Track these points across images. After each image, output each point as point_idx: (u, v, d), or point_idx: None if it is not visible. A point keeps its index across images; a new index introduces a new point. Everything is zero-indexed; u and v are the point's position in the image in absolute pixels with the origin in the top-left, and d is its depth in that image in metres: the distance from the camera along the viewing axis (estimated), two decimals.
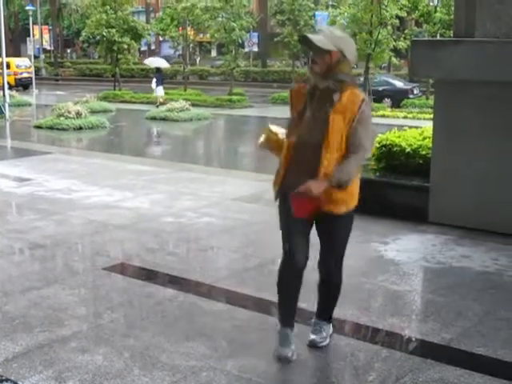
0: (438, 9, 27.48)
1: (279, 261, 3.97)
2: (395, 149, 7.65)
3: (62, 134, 17.86)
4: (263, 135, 4.02)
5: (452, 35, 7.50)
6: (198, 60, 48.75)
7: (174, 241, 6.67)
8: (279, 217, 3.95)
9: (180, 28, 33.35)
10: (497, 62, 6.49)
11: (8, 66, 27.90)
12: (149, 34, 34.03)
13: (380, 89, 27.16)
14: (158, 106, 24.24)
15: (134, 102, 28.11)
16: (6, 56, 23.07)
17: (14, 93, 26.56)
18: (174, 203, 8.17)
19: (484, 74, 6.55)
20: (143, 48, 46.33)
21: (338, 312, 4.32)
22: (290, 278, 3.91)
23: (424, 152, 7.43)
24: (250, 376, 3.79)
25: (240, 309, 4.81)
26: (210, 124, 22.15)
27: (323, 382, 3.81)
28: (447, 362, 3.97)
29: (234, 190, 8.96)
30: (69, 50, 58.77)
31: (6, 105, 20.88)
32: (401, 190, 7.31)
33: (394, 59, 28.14)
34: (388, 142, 7.74)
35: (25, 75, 36.22)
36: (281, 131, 3.99)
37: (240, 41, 31.90)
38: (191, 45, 38.27)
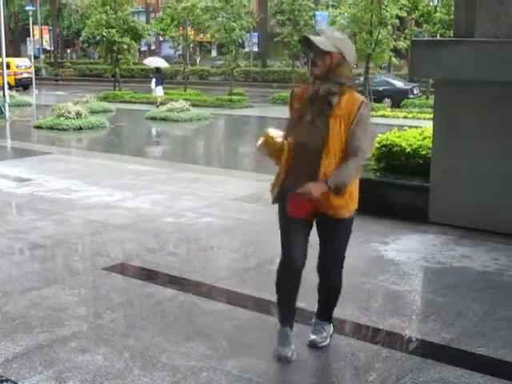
0: (438, 9, 27.48)
1: (279, 261, 3.98)
2: (395, 149, 7.65)
3: (62, 134, 17.86)
4: (261, 139, 4.02)
5: (452, 35, 7.49)
6: (198, 60, 48.76)
7: (174, 241, 6.67)
8: (279, 217, 3.95)
9: (180, 28, 33.37)
10: (497, 62, 6.49)
11: (8, 67, 27.91)
12: (149, 34, 34.03)
13: (380, 89, 27.16)
14: (158, 106, 24.24)
15: (134, 102, 28.12)
16: (6, 56, 23.08)
17: (13, 93, 26.56)
18: (174, 203, 8.17)
19: (484, 74, 6.55)
20: (143, 48, 46.31)
21: (338, 312, 4.32)
22: (288, 277, 3.91)
23: (424, 152, 7.43)
24: (250, 376, 3.79)
25: (240, 309, 4.81)
26: (210, 124, 22.15)
27: (323, 382, 3.81)
28: (447, 362, 3.97)
29: (235, 190, 8.96)
30: (69, 51, 58.77)
31: (6, 105, 20.88)
32: (401, 190, 7.31)
33: (394, 59, 28.13)
34: (388, 142, 7.74)
35: (25, 75, 36.22)
36: (279, 135, 3.98)
37: (240, 41, 31.90)
38: (191, 45, 38.29)
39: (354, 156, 3.71)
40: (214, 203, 8.14)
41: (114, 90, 31.20)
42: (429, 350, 4.16)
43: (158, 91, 26.05)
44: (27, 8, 45.58)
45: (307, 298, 4.37)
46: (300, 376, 3.87)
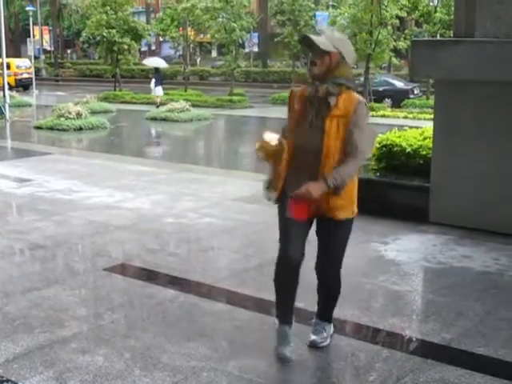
0: (438, 9, 27.47)
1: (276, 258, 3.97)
2: (396, 149, 7.66)
3: (63, 134, 17.85)
4: (258, 144, 4.02)
5: (452, 35, 7.50)
6: (198, 60, 48.74)
7: (174, 241, 6.67)
8: (279, 216, 3.95)
9: (180, 28, 33.36)
10: (497, 62, 6.49)
11: (8, 67, 27.89)
12: (149, 35, 34.04)
13: (380, 89, 27.15)
14: (158, 107, 24.24)
15: (135, 103, 28.11)
16: (7, 57, 23.07)
17: (14, 93, 26.55)
18: (174, 204, 8.17)
19: (484, 74, 6.55)
20: (143, 48, 46.33)
21: (338, 312, 4.32)
22: (285, 274, 3.90)
23: (424, 152, 7.43)
24: (250, 376, 3.80)
25: (240, 309, 4.81)
26: (210, 124, 22.15)
27: (324, 383, 3.81)
28: (448, 362, 3.97)
29: (235, 190, 8.96)
30: (69, 51, 58.77)
31: (7, 105, 20.87)
32: (401, 190, 7.31)
33: (394, 59, 28.13)
34: (388, 142, 7.74)
35: (25, 76, 36.20)
36: (275, 138, 3.97)
37: (240, 41, 31.87)
38: (191, 45, 38.28)
39: (352, 156, 3.71)
40: (214, 204, 8.14)
41: (115, 90, 31.20)
42: (429, 350, 4.16)
43: (158, 91, 26.05)
44: (27, 8, 45.58)
45: (307, 298, 4.37)
46: (300, 376, 3.87)
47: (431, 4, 28.81)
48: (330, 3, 39.55)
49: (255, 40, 44.61)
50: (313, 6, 35.00)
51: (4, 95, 21.32)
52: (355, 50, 3.96)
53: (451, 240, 6.53)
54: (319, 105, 3.75)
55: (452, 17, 11.45)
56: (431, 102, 20.06)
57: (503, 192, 6.69)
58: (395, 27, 29.28)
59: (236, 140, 19.06)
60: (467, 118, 6.87)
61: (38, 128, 18.96)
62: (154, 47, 52.07)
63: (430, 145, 7.32)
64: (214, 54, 51.37)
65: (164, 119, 21.43)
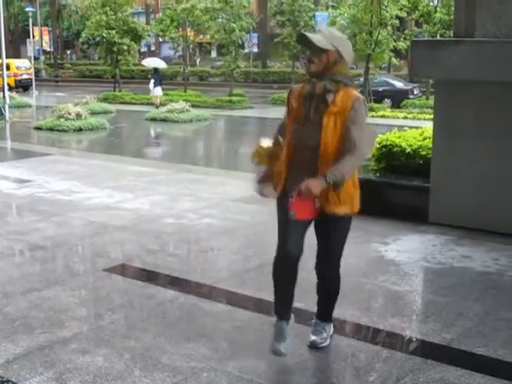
0: (438, 9, 27.49)
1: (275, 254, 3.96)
2: (395, 149, 7.66)
3: (62, 135, 17.86)
4: (253, 150, 4.01)
5: (452, 35, 7.50)
6: (198, 61, 48.77)
7: (174, 242, 6.67)
8: (278, 214, 3.94)
9: (180, 29, 33.37)
10: (497, 62, 6.49)
11: (8, 68, 27.86)
12: (149, 35, 34.07)
13: (380, 89, 27.15)
14: (157, 107, 24.24)
15: (134, 103, 28.13)
16: (6, 57, 23.07)
17: (13, 94, 26.56)
18: (174, 204, 8.17)
19: (484, 74, 6.55)
20: (143, 49, 46.36)
21: (338, 312, 4.32)
22: (283, 269, 3.88)
23: (424, 152, 7.43)
24: (250, 377, 3.79)
25: (240, 310, 4.81)
26: (210, 125, 22.16)
27: (324, 383, 3.81)
28: (448, 363, 3.97)
29: (235, 190, 8.95)
30: (69, 52, 58.81)
31: (6, 106, 20.88)
32: (401, 191, 7.31)
33: (394, 59, 28.14)
34: (388, 143, 7.74)
35: (25, 76, 36.21)
36: (270, 144, 3.97)
37: (240, 42, 31.87)
38: (191, 46, 38.33)
39: (350, 152, 3.70)
40: (214, 204, 8.14)
41: (114, 91, 31.22)
42: (429, 351, 4.16)
43: (156, 92, 26.07)
44: (27, 9, 45.60)
45: (306, 298, 4.37)
46: (300, 376, 3.87)
47: (431, 4, 28.82)
48: (330, 3, 39.61)
49: (255, 40, 44.62)
50: (312, 6, 35.05)
51: (4, 96, 21.32)
52: (355, 50, 3.97)
53: (451, 240, 6.53)
54: (317, 102, 3.76)
55: (452, 17, 11.46)
56: (431, 102, 20.06)
57: (503, 192, 6.69)
58: (395, 27, 29.28)
59: (236, 140, 19.05)
60: (467, 118, 6.87)
61: (38, 129, 18.97)
62: (153, 48, 52.10)
63: (430, 145, 7.32)
64: (214, 54, 51.40)
65: (164, 120, 21.44)
